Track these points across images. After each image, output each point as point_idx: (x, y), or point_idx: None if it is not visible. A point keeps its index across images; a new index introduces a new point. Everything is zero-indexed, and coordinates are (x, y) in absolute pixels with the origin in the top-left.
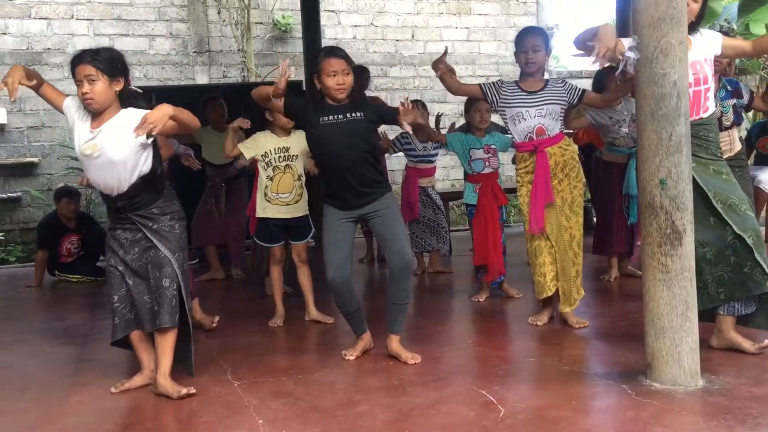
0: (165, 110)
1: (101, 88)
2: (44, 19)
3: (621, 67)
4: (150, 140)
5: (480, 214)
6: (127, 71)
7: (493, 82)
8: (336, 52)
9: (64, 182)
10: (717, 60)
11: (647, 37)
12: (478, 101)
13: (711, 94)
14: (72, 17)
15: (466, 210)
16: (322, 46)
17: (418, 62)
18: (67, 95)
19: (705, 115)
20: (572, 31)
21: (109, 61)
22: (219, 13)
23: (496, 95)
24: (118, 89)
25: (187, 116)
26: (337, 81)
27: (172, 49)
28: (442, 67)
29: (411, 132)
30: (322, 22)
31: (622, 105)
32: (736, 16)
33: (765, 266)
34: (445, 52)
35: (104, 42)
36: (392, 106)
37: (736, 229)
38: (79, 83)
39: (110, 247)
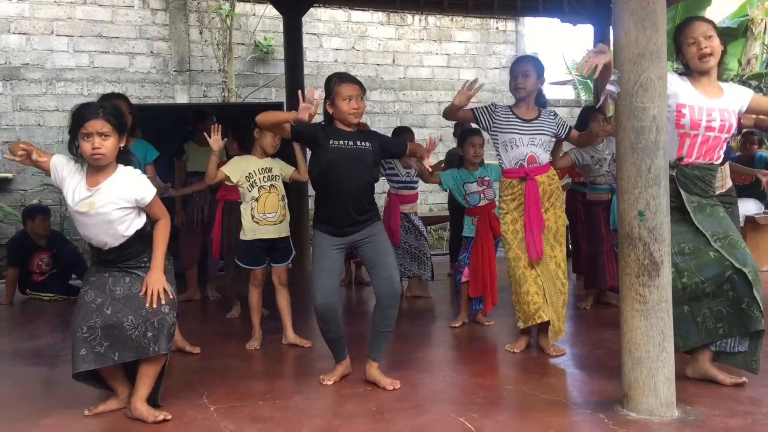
0: (160, 278)
1: (113, 144)
2: (23, 34)
3: (601, 100)
4: (151, 199)
5: (477, 245)
6: (127, 127)
7: (485, 106)
8: (349, 77)
9: (38, 199)
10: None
11: (627, 71)
12: (473, 136)
13: (726, 144)
14: (52, 33)
15: (463, 241)
16: (304, 68)
17: (398, 87)
18: (52, 155)
19: (716, 162)
20: (551, 60)
21: (118, 118)
22: (201, 32)
23: (489, 120)
24: (122, 146)
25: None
26: (352, 106)
27: (152, 68)
28: (465, 99)
29: (418, 169)
30: (304, 44)
31: (603, 144)
32: None
33: (761, 304)
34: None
35: (84, 59)
36: (397, 140)
37: (736, 264)
38: (88, 137)
39: (93, 281)
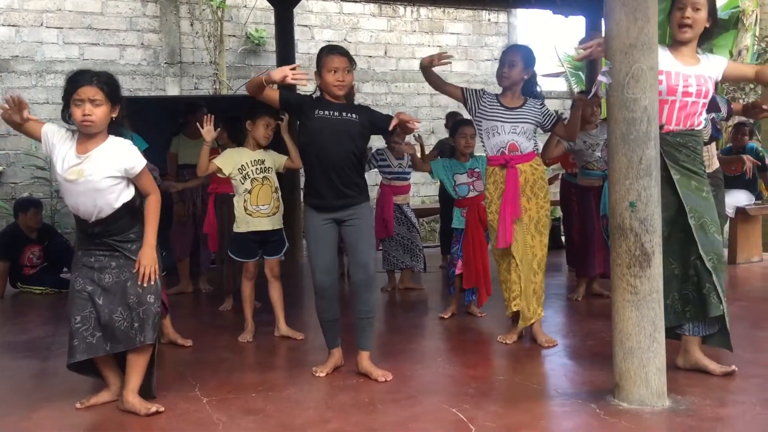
0: (152, 256)
1: (103, 112)
2: (13, 26)
3: (593, 91)
4: (140, 170)
5: (468, 237)
6: (122, 99)
7: (475, 90)
8: (338, 49)
9: (29, 192)
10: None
11: (619, 62)
12: (464, 126)
13: (705, 110)
14: (41, 25)
15: (454, 233)
16: (296, 60)
17: (390, 79)
18: (44, 122)
19: (698, 128)
20: (543, 52)
21: (112, 87)
22: (192, 24)
23: (476, 103)
24: (113, 116)
25: (155, 220)
26: (337, 78)
27: (143, 60)
28: (428, 61)
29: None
30: (296, 36)
31: (597, 129)
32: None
33: (720, 291)
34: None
35: (74, 51)
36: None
37: (700, 249)
38: (79, 103)
39: (80, 266)
